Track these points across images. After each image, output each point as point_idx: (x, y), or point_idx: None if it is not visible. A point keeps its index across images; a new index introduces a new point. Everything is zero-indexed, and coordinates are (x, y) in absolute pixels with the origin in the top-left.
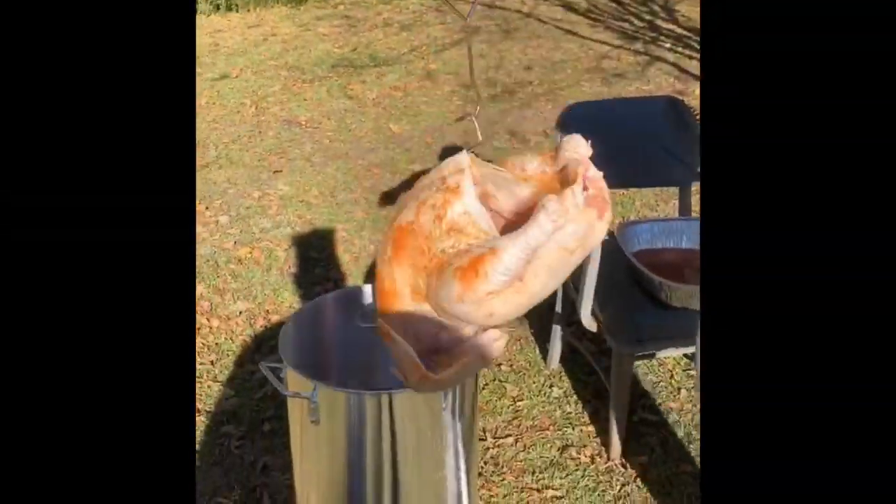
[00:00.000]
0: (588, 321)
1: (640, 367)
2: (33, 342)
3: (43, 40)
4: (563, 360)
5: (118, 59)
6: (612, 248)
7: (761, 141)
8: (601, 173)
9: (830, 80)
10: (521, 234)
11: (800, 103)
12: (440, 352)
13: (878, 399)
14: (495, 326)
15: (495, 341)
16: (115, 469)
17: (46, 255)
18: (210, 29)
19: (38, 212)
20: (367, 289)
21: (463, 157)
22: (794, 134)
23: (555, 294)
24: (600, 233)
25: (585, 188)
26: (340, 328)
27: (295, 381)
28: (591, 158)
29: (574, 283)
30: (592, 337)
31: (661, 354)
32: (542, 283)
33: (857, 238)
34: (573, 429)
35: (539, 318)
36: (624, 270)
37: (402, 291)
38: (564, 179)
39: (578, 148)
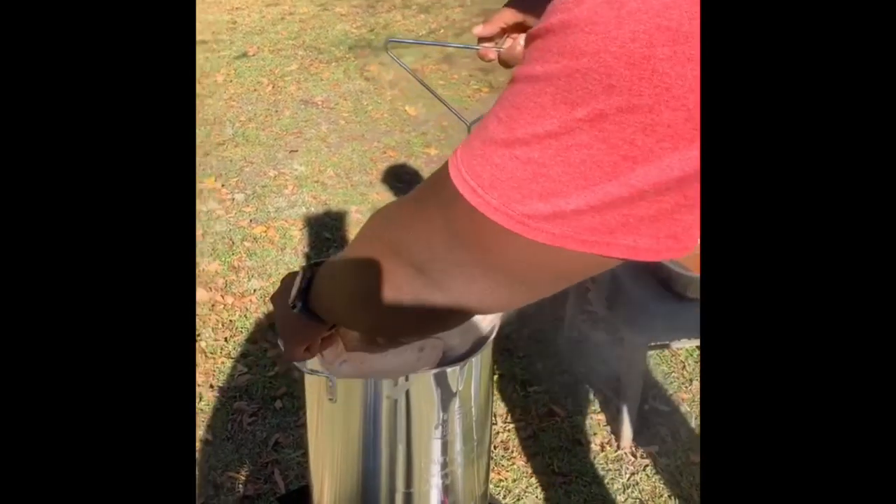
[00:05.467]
0: (602, 309)
1: (653, 357)
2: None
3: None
4: (575, 348)
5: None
6: None
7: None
8: None
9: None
10: None
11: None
12: None
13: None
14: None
15: (426, 349)
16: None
17: (37, 240)
18: (229, 6)
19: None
20: None
21: None
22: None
23: None
24: None
25: None
26: None
27: (314, 360)
28: None
29: None
30: (605, 326)
31: (675, 345)
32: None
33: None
34: (583, 416)
35: (552, 307)
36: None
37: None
38: None
39: None
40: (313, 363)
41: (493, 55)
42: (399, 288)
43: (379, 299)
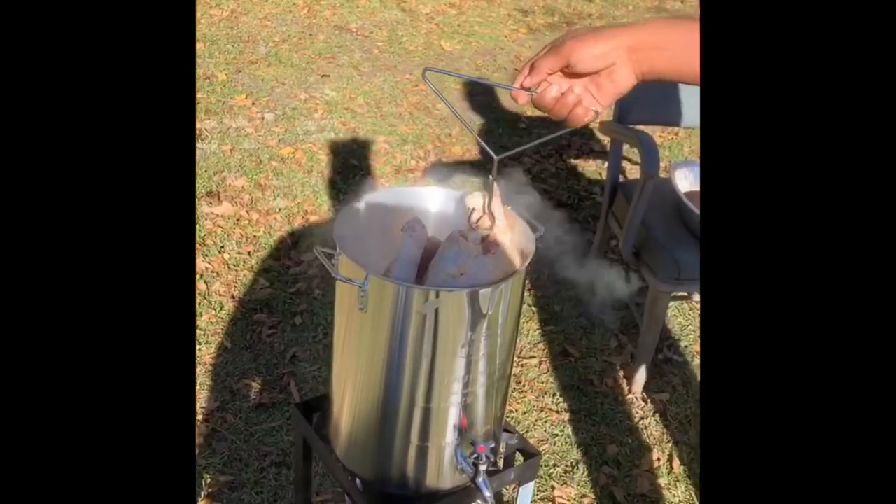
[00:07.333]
0: (629, 256)
1: (671, 308)
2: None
3: None
4: (594, 294)
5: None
6: (658, 185)
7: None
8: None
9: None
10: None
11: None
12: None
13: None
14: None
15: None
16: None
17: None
18: None
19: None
20: (424, 191)
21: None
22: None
23: (594, 227)
24: None
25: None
26: (393, 226)
27: (348, 268)
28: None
29: (617, 217)
30: (627, 274)
31: (697, 298)
32: None
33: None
34: (597, 359)
35: (573, 250)
36: (671, 208)
37: None
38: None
39: (474, 200)
40: (347, 270)
41: (524, 99)
42: None
43: None
